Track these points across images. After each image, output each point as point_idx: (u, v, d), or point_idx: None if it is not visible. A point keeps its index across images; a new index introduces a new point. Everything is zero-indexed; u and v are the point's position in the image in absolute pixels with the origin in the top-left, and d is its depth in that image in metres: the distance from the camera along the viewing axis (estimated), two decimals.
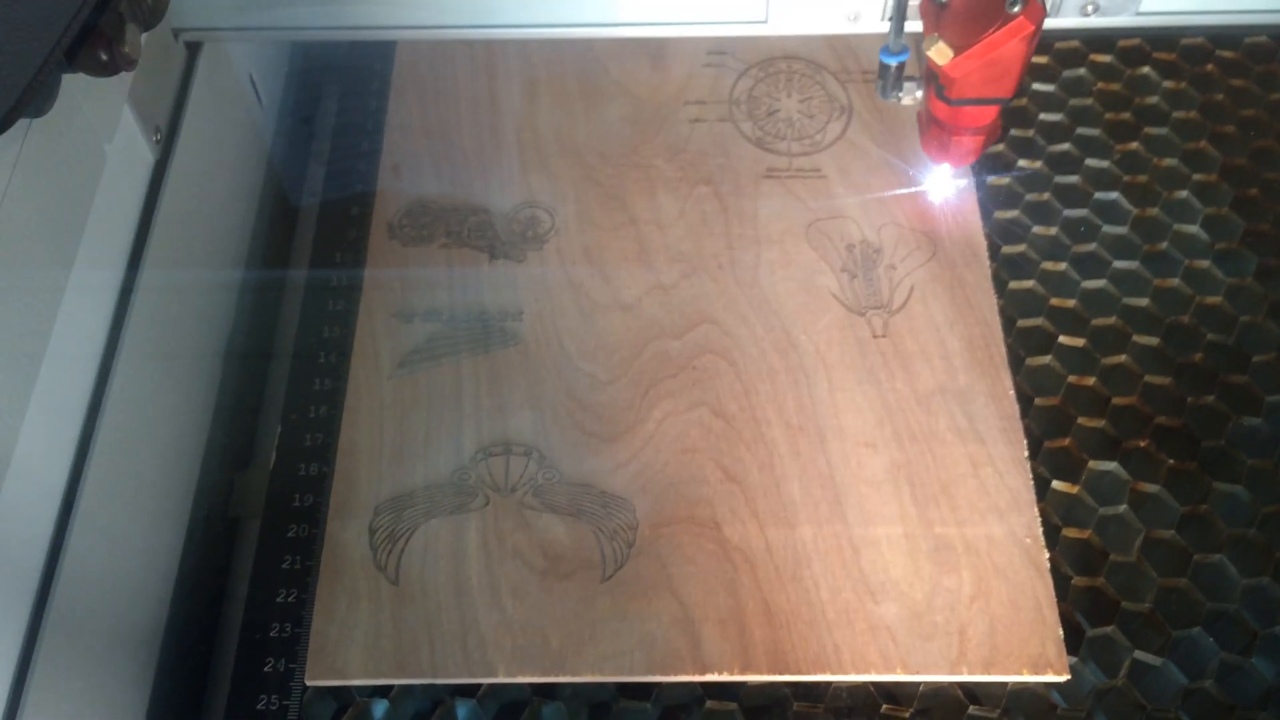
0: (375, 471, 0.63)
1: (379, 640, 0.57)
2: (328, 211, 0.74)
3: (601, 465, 0.63)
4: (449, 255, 0.71)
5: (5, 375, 0.45)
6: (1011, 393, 0.64)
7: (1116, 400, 0.65)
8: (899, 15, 0.58)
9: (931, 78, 0.60)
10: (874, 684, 0.57)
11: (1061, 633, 0.57)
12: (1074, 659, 0.57)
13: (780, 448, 0.63)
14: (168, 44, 0.62)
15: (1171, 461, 0.63)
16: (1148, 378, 0.66)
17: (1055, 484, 0.63)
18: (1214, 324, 0.68)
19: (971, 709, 0.57)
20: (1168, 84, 0.78)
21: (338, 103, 0.80)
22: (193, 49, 0.65)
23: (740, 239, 0.71)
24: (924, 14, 0.59)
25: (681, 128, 0.75)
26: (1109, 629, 0.59)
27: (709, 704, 0.57)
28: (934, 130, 0.64)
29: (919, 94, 0.63)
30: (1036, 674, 0.56)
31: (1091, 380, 0.66)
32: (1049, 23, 0.61)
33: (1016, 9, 0.54)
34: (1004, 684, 0.57)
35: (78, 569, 0.50)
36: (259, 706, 0.57)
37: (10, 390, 0.45)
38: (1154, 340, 0.68)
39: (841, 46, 0.78)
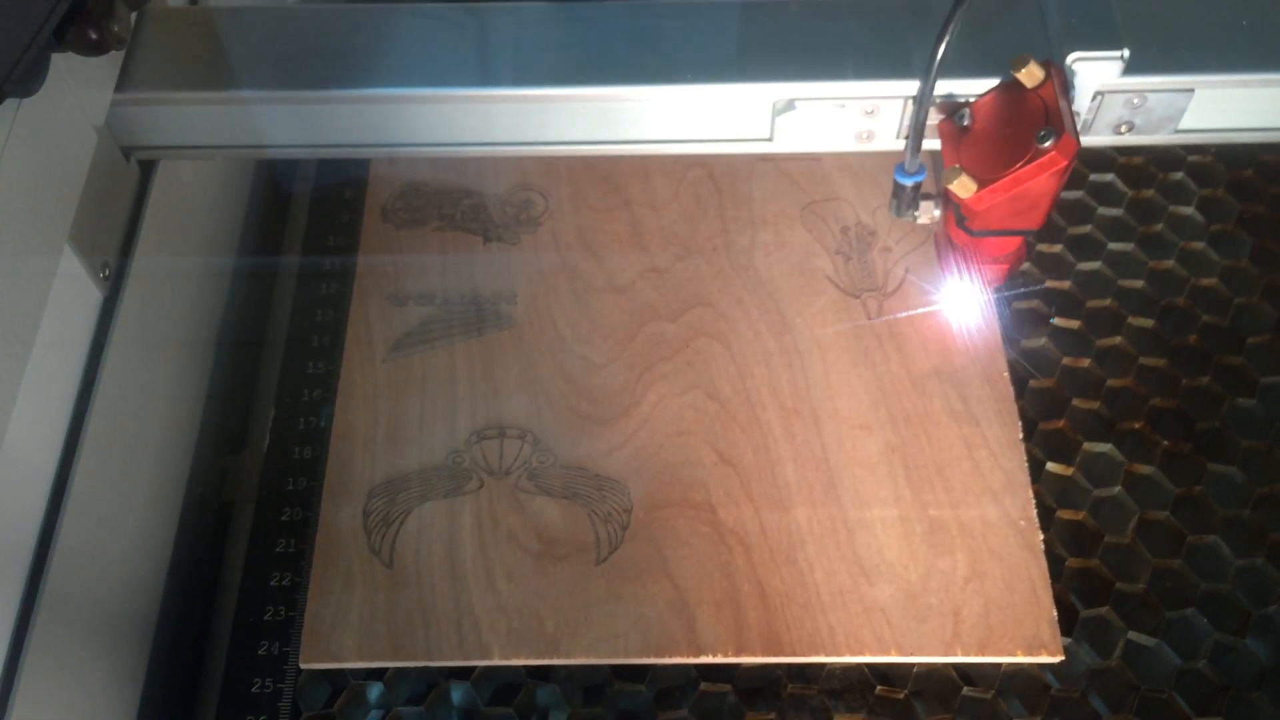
0: (369, 455, 0.62)
1: (373, 623, 0.57)
2: (321, 195, 0.74)
3: (596, 448, 0.62)
4: (442, 238, 0.70)
5: None
6: (1006, 374, 0.64)
7: (1111, 382, 0.65)
8: (916, 135, 0.53)
9: (951, 202, 0.55)
10: (868, 665, 0.57)
11: (1055, 614, 0.57)
12: (1068, 640, 0.57)
13: (775, 430, 0.63)
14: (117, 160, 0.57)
15: (1166, 443, 0.63)
16: (1143, 359, 0.66)
17: (1050, 465, 0.63)
18: (1209, 306, 0.68)
19: (966, 690, 0.57)
20: None
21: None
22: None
23: (735, 221, 0.71)
24: (944, 135, 0.54)
25: None
26: (1103, 610, 0.59)
27: (703, 686, 0.57)
28: (954, 257, 0.59)
29: (937, 213, 0.57)
30: (1030, 655, 0.56)
31: (1086, 362, 0.66)
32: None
33: (1048, 144, 0.49)
34: (998, 665, 0.57)
35: (70, 554, 0.50)
36: (253, 690, 0.57)
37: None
38: (1149, 322, 0.67)
39: None
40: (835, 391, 0.64)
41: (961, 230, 0.55)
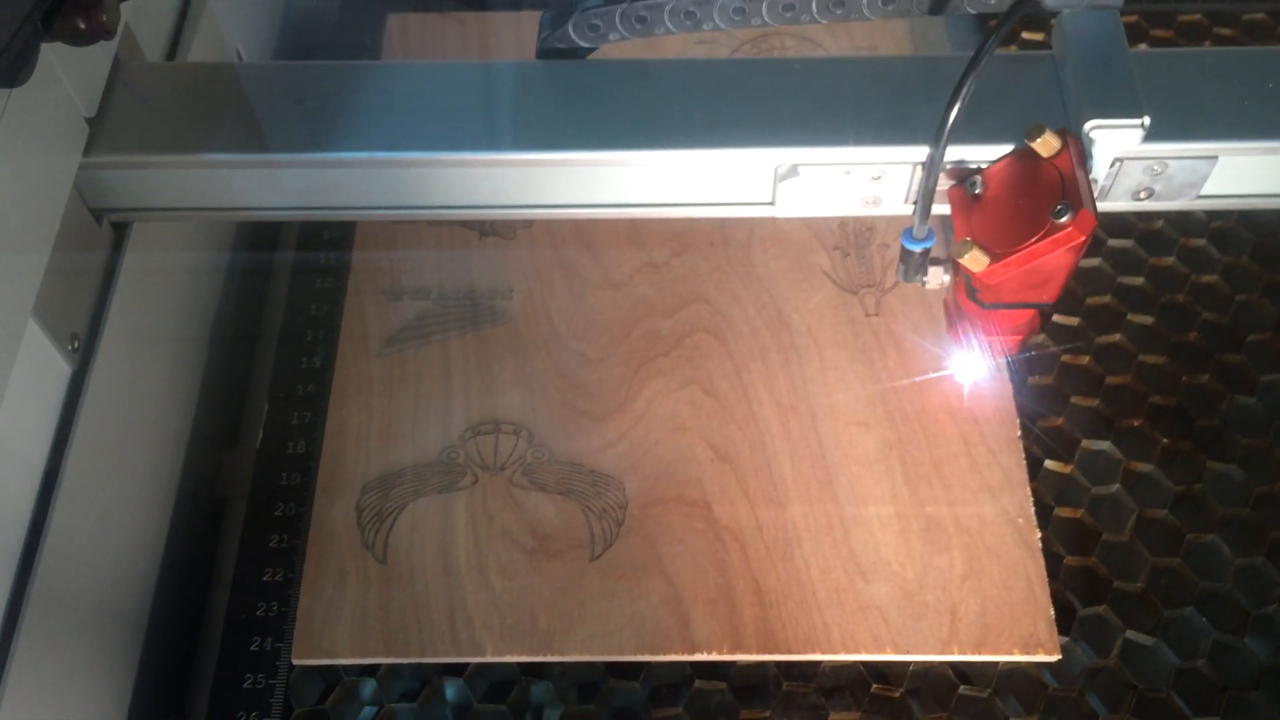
0: (363, 450, 0.62)
1: (366, 620, 0.57)
2: None
3: (591, 444, 0.62)
4: (438, 233, 0.70)
5: None
6: (1004, 371, 0.64)
7: (1110, 379, 0.65)
8: (925, 201, 0.50)
9: (962, 272, 0.52)
10: (864, 664, 0.57)
11: (1053, 612, 0.57)
12: (1065, 639, 0.57)
13: (771, 427, 0.62)
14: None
15: (1165, 441, 0.63)
16: (1142, 356, 0.66)
17: (1048, 463, 0.62)
18: (1209, 303, 0.68)
19: (962, 689, 0.56)
20: None
21: None
22: None
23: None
24: (954, 203, 0.52)
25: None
26: (1101, 609, 0.58)
27: (698, 683, 0.57)
28: (963, 326, 0.57)
29: (946, 278, 0.54)
30: (1027, 654, 0.56)
31: (1085, 359, 0.66)
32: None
33: (1065, 219, 0.47)
34: (995, 664, 0.57)
35: (62, 549, 0.49)
36: (245, 685, 0.57)
37: None
38: (1149, 319, 0.67)
39: (839, 28, 0.78)
40: (832, 388, 0.64)
41: (972, 302, 0.53)
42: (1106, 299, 0.68)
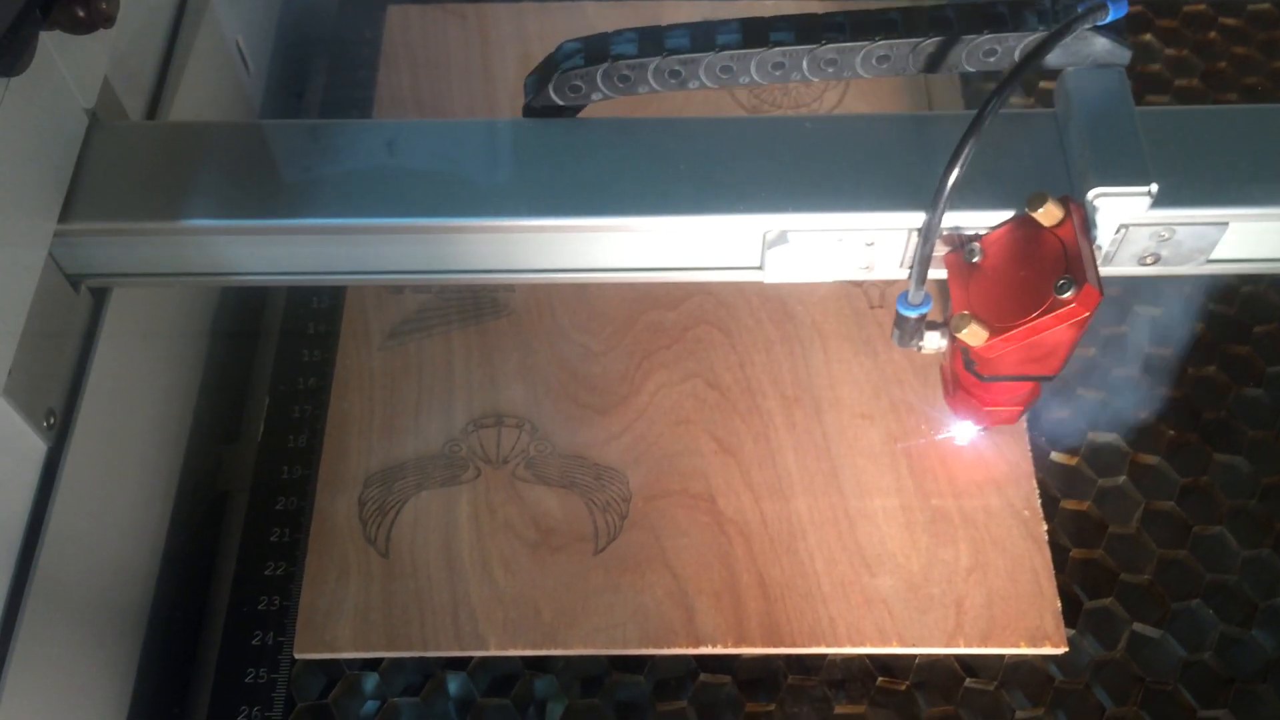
0: (365, 443, 0.62)
1: (369, 613, 0.57)
2: None
3: (594, 437, 0.62)
4: None
5: None
6: None
7: (1117, 371, 0.65)
8: (921, 268, 0.48)
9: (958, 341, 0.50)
10: (869, 657, 0.57)
11: (1059, 605, 0.56)
12: (1072, 631, 0.57)
13: (775, 419, 0.62)
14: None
15: (1172, 432, 0.63)
16: (1149, 349, 0.65)
17: (1054, 455, 0.62)
18: (1215, 294, 0.67)
19: (968, 681, 0.56)
20: (1170, 51, 0.77)
21: (327, 73, 0.79)
22: None
23: None
24: (951, 271, 0.50)
25: (676, 96, 0.74)
26: (1107, 601, 0.58)
27: (703, 677, 0.56)
28: (961, 394, 0.55)
29: (943, 343, 0.52)
30: (1034, 647, 0.55)
31: (1091, 350, 0.65)
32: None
33: (1068, 294, 0.45)
34: (1001, 656, 0.56)
35: (63, 543, 0.49)
36: (248, 679, 0.56)
37: None
38: (1156, 310, 0.67)
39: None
40: (837, 380, 0.63)
41: (970, 374, 0.52)
42: (1114, 291, 0.67)
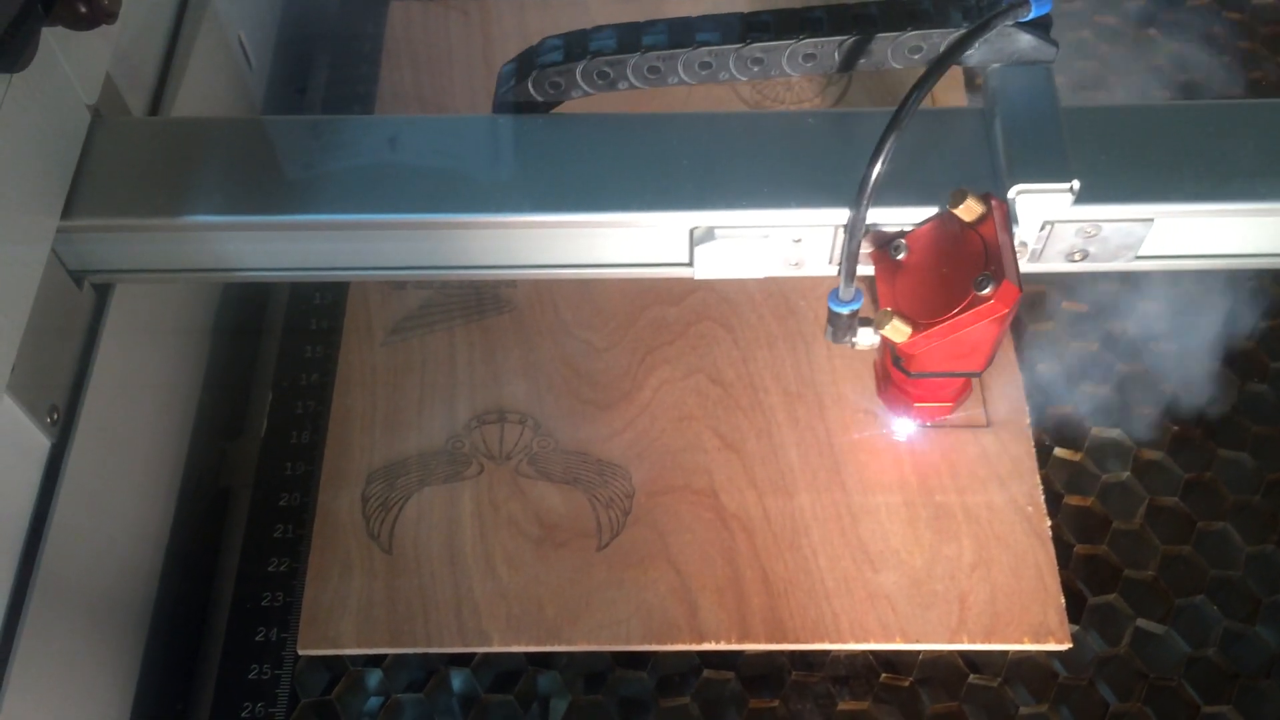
0: (368, 439, 0.62)
1: (372, 609, 0.57)
2: None
3: (597, 433, 0.62)
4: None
5: None
6: (1013, 358, 0.63)
7: (1120, 366, 0.64)
8: (849, 264, 0.48)
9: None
10: (873, 653, 0.57)
11: (1063, 601, 0.56)
12: (1076, 627, 0.57)
13: (778, 415, 0.62)
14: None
15: (1176, 428, 0.62)
16: (1152, 344, 0.65)
17: (1058, 450, 0.62)
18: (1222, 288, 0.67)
19: (972, 677, 0.56)
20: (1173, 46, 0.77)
21: (329, 69, 0.79)
22: None
23: None
24: (878, 266, 0.51)
25: (678, 89, 0.74)
26: (1111, 597, 0.58)
27: (706, 673, 0.56)
28: (892, 390, 0.56)
29: (876, 339, 0.52)
30: (1037, 642, 0.55)
31: (1094, 345, 0.65)
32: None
33: (987, 290, 0.45)
34: (1005, 652, 0.56)
35: (66, 539, 0.49)
36: (251, 676, 0.56)
37: None
38: (1159, 305, 0.66)
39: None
40: (839, 376, 0.63)
41: (899, 370, 0.52)
42: (1115, 285, 0.67)
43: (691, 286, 0.66)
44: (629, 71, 0.50)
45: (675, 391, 0.63)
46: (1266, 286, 0.67)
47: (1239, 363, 0.64)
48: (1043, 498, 0.59)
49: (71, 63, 0.49)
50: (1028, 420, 0.61)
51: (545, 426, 0.62)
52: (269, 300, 0.70)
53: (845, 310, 0.50)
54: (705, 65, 0.50)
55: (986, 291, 0.45)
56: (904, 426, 0.61)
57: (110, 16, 0.44)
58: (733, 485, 0.60)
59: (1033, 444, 0.61)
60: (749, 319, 0.65)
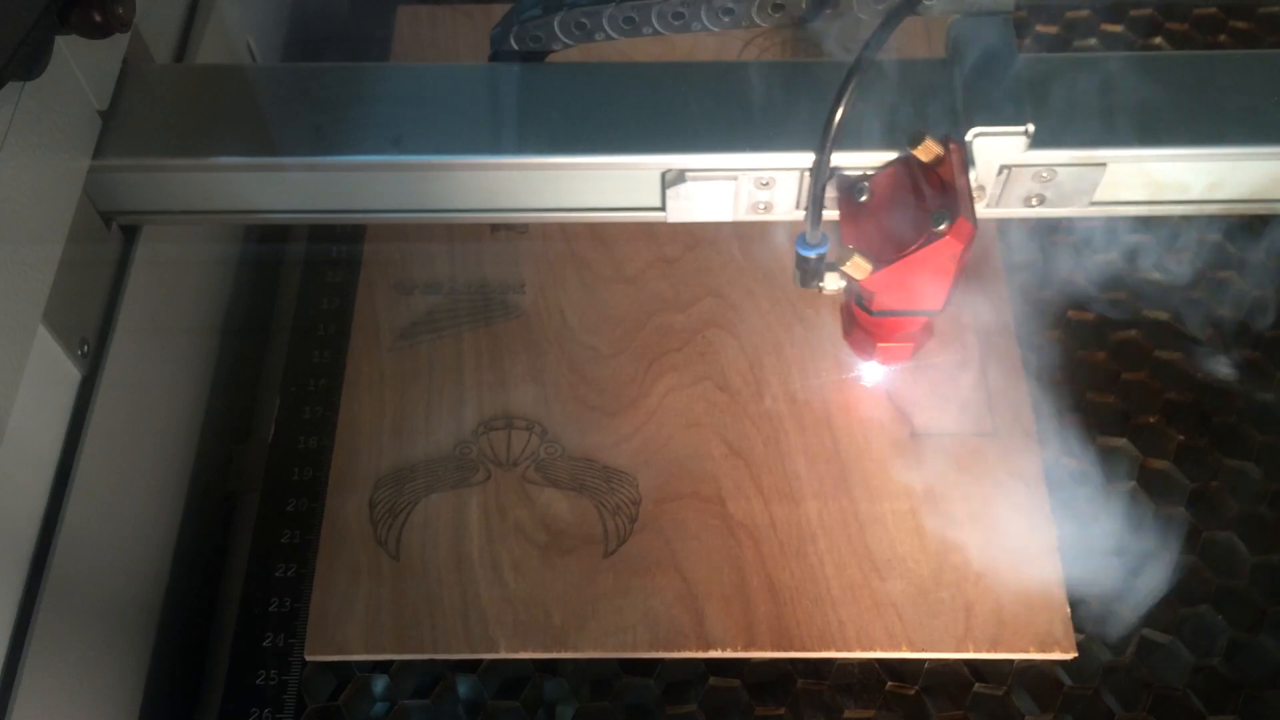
0: (375, 445, 0.62)
1: (379, 615, 0.57)
2: None
3: (604, 439, 0.62)
4: (450, 227, 0.70)
5: None
6: (1020, 368, 0.63)
7: (1126, 375, 0.65)
8: (815, 208, 0.49)
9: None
10: (879, 661, 0.57)
11: (1069, 610, 0.56)
12: (1081, 636, 0.57)
13: (785, 422, 0.62)
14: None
15: (1181, 437, 0.62)
16: (1157, 352, 0.65)
17: (1064, 460, 0.62)
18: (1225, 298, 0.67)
19: (977, 686, 0.56)
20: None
21: None
22: None
23: None
24: (842, 208, 0.52)
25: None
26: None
27: (712, 680, 0.57)
28: (858, 331, 0.57)
29: (842, 284, 0.53)
30: (1043, 652, 0.55)
31: (1101, 355, 0.65)
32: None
33: (943, 226, 0.47)
34: (1010, 661, 0.56)
35: (75, 544, 0.49)
36: (258, 681, 0.56)
37: (3, 360, 0.44)
38: (1164, 314, 0.67)
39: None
40: (846, 383, 0.63)
41: (862, 309, 0.54)
42: (1122, 295, 0.67)
43: (699, 294, 0.66)
44: (605, 23, 0.52)
45: (682, 398, 0.63)
46: (1271, 297, 0.67)
47: (1245, 372, 0.64)
48: (1049, 507, 0.59)
49: (84, 70, 0.49)
50: (1034, 429, 0.62)
51: (552, 433, 0.62)
52: (277, 305, 0.70)
53: (812, 254, 0.51)
54: (678, 16, 0.52)
55: (942, 228, 0.47)
56: (874, 373, 0.62)
57: (125, 25, 0.44)
58: (740, 492, 0.60)
59: (1039, 453, 0.61)
60: (756, 326, 0.65)
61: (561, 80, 0.54)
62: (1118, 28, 0.78)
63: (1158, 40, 0.77)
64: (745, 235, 0.69)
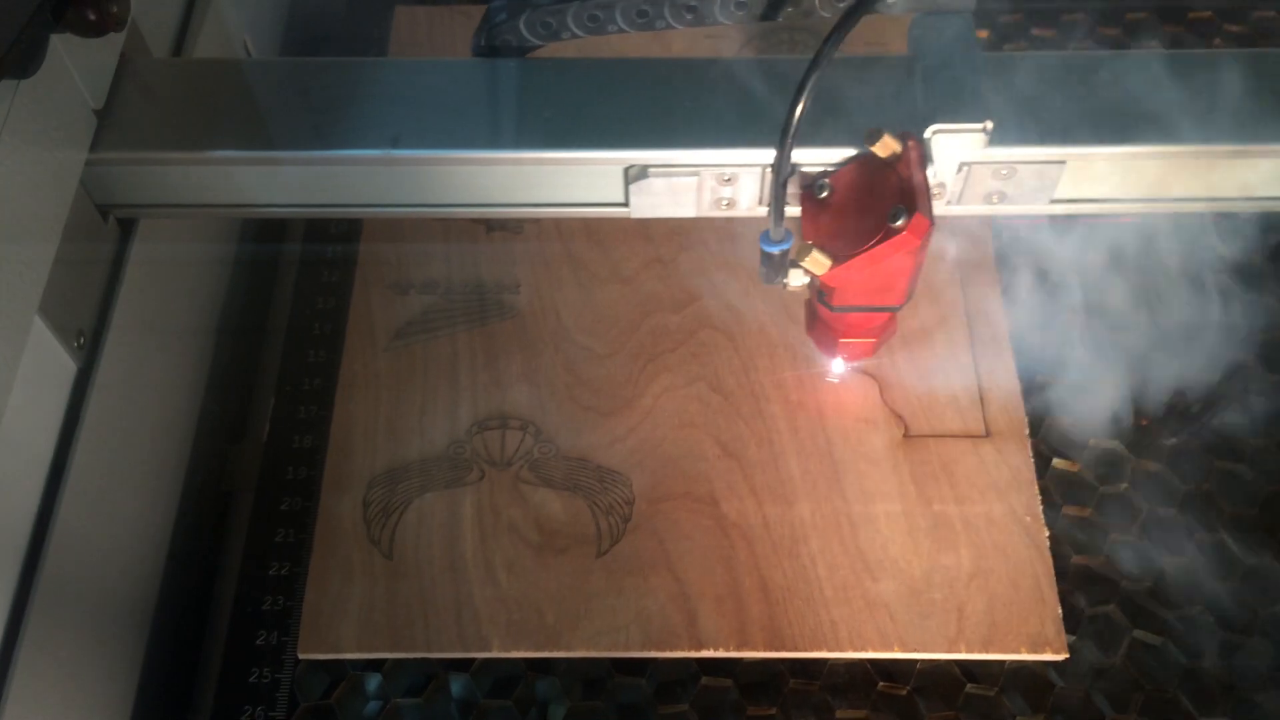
0: (370, 444, 0.62)
1: (372, 614, 0.57)
2: None
3: (598, 440, 0.62)
4: (445, 227, 0.70)
5: None
6: (1013, 368, 0.64)
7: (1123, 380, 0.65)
8: (777, 204, 0.50)
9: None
10: (871, 661, 0.57)
11: (1060, 611, 0.56)
12: (1073, 637, 0.57)
13: (779, 423, 0.62)
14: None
15: (1174, 440, 0.63)
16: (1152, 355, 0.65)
17: (1056, 461, 0.62)
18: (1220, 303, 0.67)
19: (969, 687, 0.56)
20: None
21: None
22: None
23: None
24: (803, 205, 0.52)
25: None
26: (1109, 608, 0.58)
27: (704, 680, 0.57)
28: (820, 327, 0.58)
29: (806, 280, 0.54)
30: (1035, 653, 0.56)
31: (1094, 360, 0.65)
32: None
33: (900, 222, 0.47)
34: (1002, 662, 0.56)
35: (68, 542, 0.49)
36: (251, 679, 0.57)
37: None
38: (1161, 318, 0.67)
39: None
40: (840, 385, 0.63)
41: (823, 305, 0.54)
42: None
43: (694, 295, 0.66)
44: (570, 21, 0.52)
45: (676, 399, 0.63)
46: (1266, 300, 0.67)
47: (1238, 375, 0.64)
48: (1041, 508, 0.59)
49: (79, 68, 0.49)
50: (1026, 431, 0.62)
51: (546, 433, 0.62)
52: (272, 305, 0.70)
53: (776, 250, 0.52)
54: (642, 14, 0.52)
55: (900, 223, 0.47)
56: (839, 367, 0.63)
57: (119, 24, 0.44)
58: (733, 493, 0.60)
59: (1031, 454, 0.61)
60: (750, 327, 0.65)
61: (527, 76, 0.54)
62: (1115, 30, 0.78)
63: (1153, 44, 0.77)
64: (740, 237, 0.69)
